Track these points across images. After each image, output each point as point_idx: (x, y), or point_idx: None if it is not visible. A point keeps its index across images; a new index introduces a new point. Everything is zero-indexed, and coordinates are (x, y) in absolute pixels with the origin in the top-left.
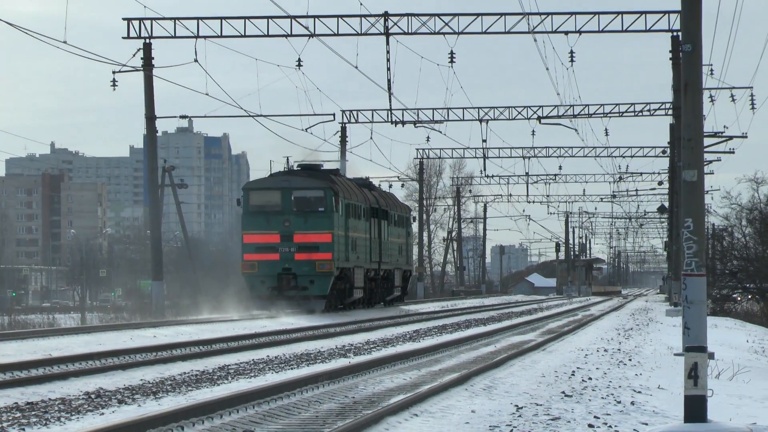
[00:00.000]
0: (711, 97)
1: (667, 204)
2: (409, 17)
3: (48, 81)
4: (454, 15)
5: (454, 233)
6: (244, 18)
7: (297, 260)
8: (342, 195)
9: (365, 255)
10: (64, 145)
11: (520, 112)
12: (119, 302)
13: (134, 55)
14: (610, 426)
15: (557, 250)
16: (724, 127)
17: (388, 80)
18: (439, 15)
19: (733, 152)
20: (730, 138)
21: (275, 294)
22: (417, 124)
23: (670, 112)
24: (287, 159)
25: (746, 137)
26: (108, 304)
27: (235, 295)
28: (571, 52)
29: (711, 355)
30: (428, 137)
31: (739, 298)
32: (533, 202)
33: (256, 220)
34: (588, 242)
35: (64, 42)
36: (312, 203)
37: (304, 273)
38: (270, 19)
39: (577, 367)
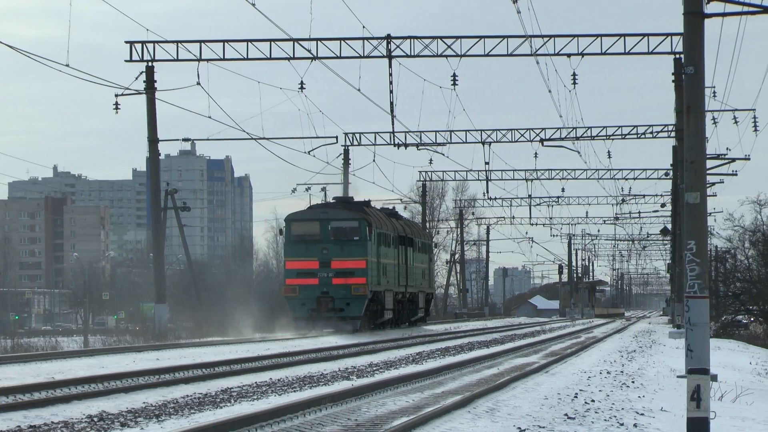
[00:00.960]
0: (713, 119)
1: (669, 226)
2: (412, 40)
3: (50, 104)
4: (457, 38)
5: (457, 255)
6: (247, 41)
7: (334, 284)
8: (374, 225)
9: (394, 279)
10: (67, 168)
11: (522, 135)
12: (121, 325)
13: (137, 78)
14: None
15: (560, 273)
16: (727, 149)
17: (391, 103)
18: (441, 37)
19: (736, 174)
20: (733, 160)
21: (314, 315)
22: (420, 147)
23: (673, 134)
24: (325, 193)
25: (749, 159)
26: (103, 326)
27: (239, 317)
28: (574, 74)
29: (714, 378)
30: (431, 160)
31: (743, 320)
32: (536, 224)
33: (297, 248)
34: (591, 264)
35: (67, 65)
36: (348, 233)
37: (341, 296)
38: (272, 42)
39: (580, 390)
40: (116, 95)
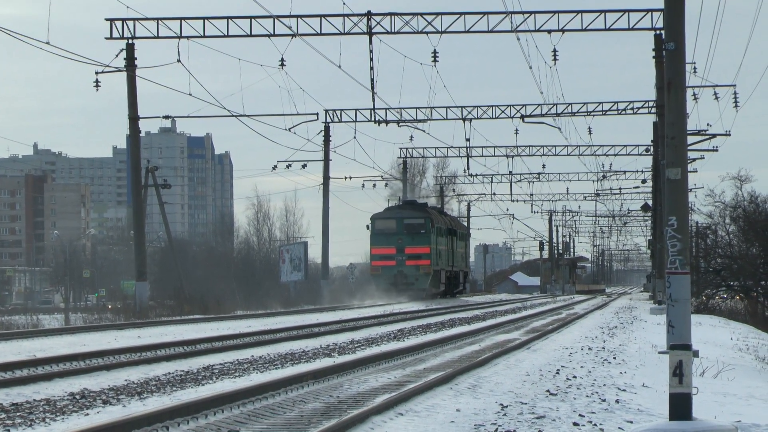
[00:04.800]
0: (694, 95)
1: (650, 202)
2: (392, 16)
3: (31, 82)
4: (437, 14)
5: None
6: (227, 18)
7: (407, 265)
8: (434, 221)
9: (445, 261)
10: (47, 146)
11: (503, 111)
12: (79, 304)
13: (117, 56)
14: (595, 424)
15: (541, 249)
16: (708, 125)
17: (372, 80)
18: (422, 14)
19: (717, 150)
20: (714, 136)
21: (392, 288)
22: (400, 124)
23: (654, 110)
24: (399, 198)
25: (729, 135)
26: (50, 305)
27: (219, 294)
28: (554, 50)
29: (695, 353)
30: (411, 136)
31: (719, 297)
32: (517, 201)
33: (379, 239)
34: (572, 241)
35: (47, 43)
36: (416, 227)
37: (412, 274)
38: (253, 19)
39: (562, 366)
40: (96, 73)
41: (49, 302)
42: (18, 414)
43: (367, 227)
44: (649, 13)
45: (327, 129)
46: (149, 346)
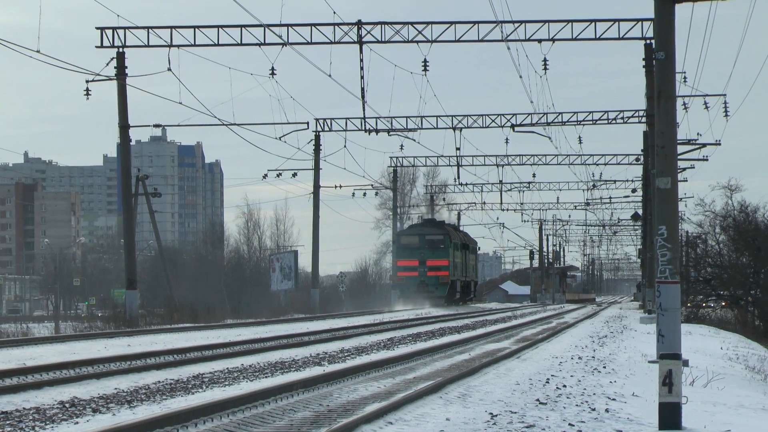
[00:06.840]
0: (684, 104)
1: (640, 211)
2: (383, 25)
3: (21, 90)
4: (428, 23)
5: None
6: (218, 27)
7: (428, 276)
8: (452, 237)
9: (460, 272)
10: (38, 155)
11: (493, 120)
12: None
13: (107, 65)
14: None
15: (531, 258)
16: (698, 134)
17: (362, 88)
18: (412, 23)
19: (707, 159)
20: (704, 145)
21: (415, 295)
22: (390, 133)
23: (644, 119)
24: (420, 217)
25: (720, 144)
26: (18, 314)
27: (209, 302)
28: (545, 60)
29: (685, 363)
30: (402, 145)
31: (707, 305)
32: (507, 209)
33: (404, 252)
34: (562, 250)
35: (38, 51)
36: (436, 243)
37: (432, 283)
38: (243, 28)
39: (552, 375)
40: (87, 81)
41: (17, 311)
42: (8, 422)
43: (393, 242)
44: (640, 22)
45: (317, 138)
46: (139, 354)
